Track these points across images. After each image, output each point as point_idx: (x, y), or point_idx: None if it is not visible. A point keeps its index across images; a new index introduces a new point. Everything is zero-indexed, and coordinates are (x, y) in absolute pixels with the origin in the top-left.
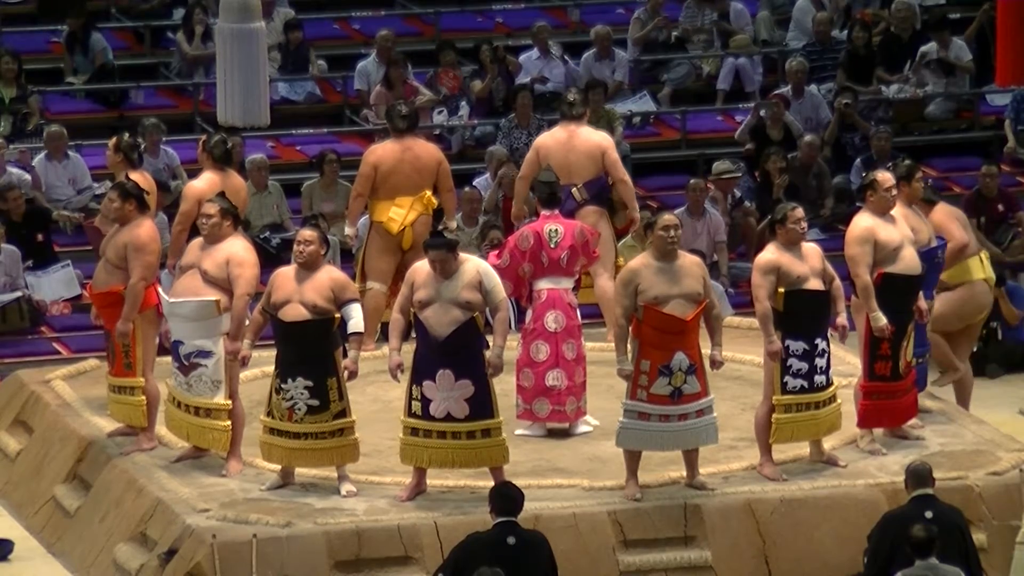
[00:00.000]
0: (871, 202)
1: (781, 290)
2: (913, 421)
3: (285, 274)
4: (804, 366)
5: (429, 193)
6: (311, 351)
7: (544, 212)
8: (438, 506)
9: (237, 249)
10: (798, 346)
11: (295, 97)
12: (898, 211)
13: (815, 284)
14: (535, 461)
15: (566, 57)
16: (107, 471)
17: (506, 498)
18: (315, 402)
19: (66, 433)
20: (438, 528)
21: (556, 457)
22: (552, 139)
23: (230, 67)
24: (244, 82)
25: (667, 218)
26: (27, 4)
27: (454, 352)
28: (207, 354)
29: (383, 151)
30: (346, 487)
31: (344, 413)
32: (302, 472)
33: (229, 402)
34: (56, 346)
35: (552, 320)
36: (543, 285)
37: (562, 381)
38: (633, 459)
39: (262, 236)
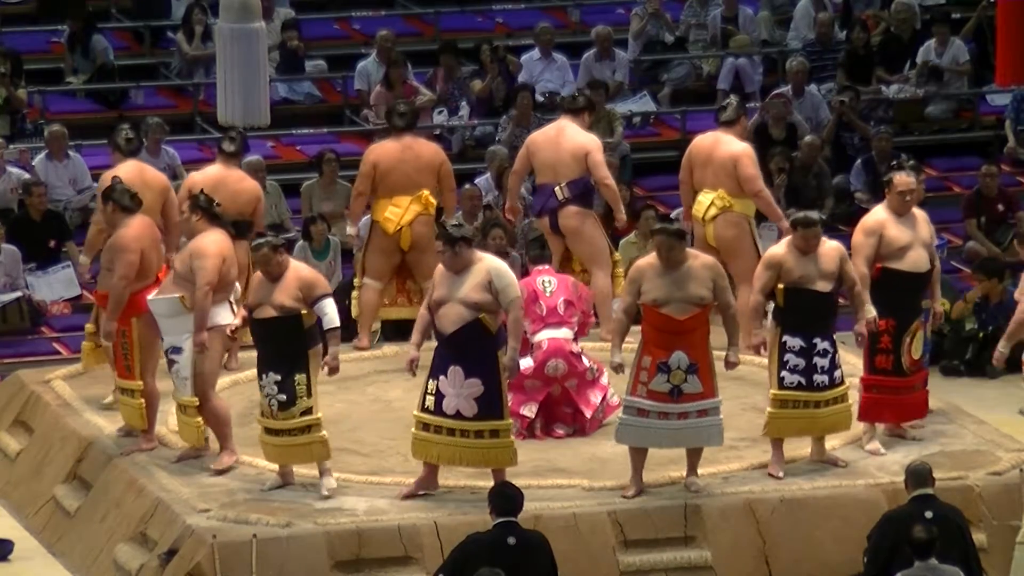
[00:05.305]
0: (888, 199)
1: (780, 286)
2: (914, 421)
3: (258, 277)
4: (801, 363)
5: (427, 193)
6: (281, 347)
7: (535, 268)
8: (438, 506)
9: (201, 242)
10: (795, 342)
11: (295, 97)
12: (919, 211)
13: (820, 286)
14: (535, 461)
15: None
16: (107, 471)
17: (506, 498)
18: (283, 397)
19: (66, 433)
20: (438, 528)
21: (556, 457)
22: (542, 136)
23: (230, 67)
24: (244, 82)
25: (660, 239)
26: (27, 4)
27: (461, 350)
28: (178, 350)
29: (382, 150)
30: (327, 483)
31: (310, 411)
32: (302, 472)
33: (196, 399)
34: (56, 346)
35: (551, 368)
36: (543, 336)
37: (532, 412)
38: (637, 456)
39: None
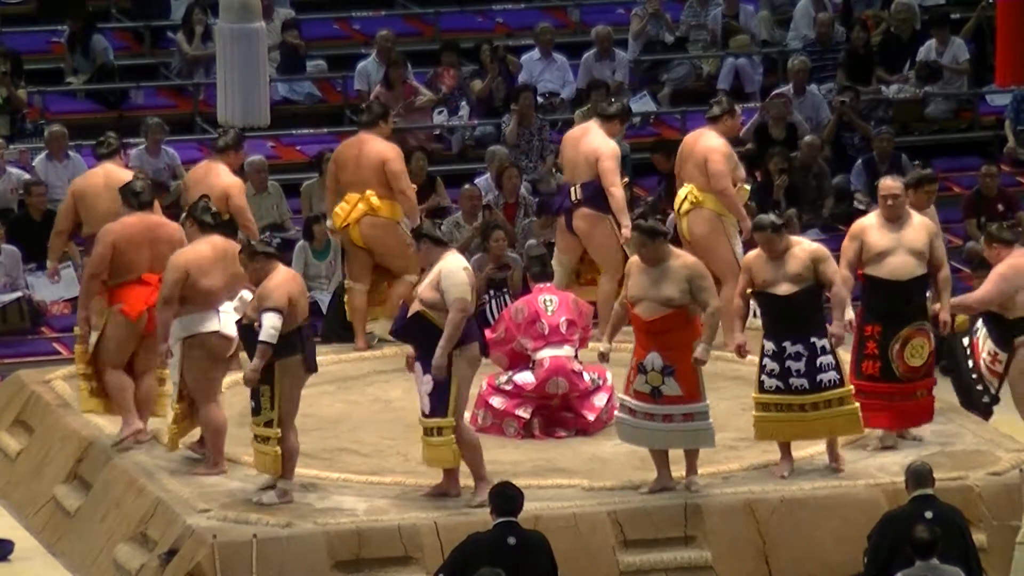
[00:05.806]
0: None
1: (749, 291)
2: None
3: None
4: (776, 367)
5: (370, 193)
6: (251, 355)
7: (537, 285)
8: (438, 506)
9: (178, 253)
10: (769, 346)
11: (295, 97)
12: (918, 218)
13: (782, 289)
14: (535, 461)
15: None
16: (107, 471)
17: (506, 498)
18: (252, 404)
19: (66, 433)
20: (438, 528)
21: (556, 457)
22: (570, 135)
23: (230, 67)
24: (244, 82)
25: (634, 236)
26: (27, 4)
27: (413, 345)
28: (171, 354)
29: (341, 147)
30: (267, 495)
31: (271, 423)
32: (302, 472)
33: (178, 405)
34: (56, 346)
35: (552, 386)
36: (545, 354)
37: (528, 413)
38: (654, 455)
39: (262, 237)
